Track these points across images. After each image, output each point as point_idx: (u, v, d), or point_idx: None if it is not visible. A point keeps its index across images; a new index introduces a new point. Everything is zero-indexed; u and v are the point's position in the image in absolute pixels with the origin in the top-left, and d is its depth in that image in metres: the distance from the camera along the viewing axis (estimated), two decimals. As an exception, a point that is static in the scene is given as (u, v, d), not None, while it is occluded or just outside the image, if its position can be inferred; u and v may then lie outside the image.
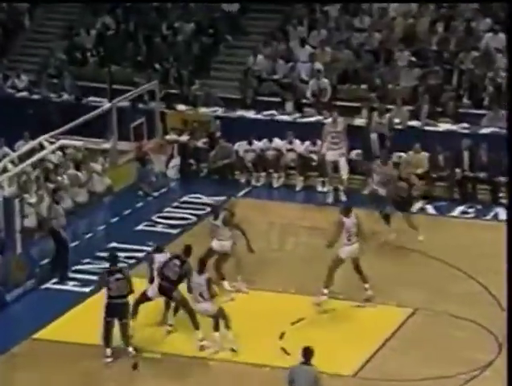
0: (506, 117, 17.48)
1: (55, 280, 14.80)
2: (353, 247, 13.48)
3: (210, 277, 12.73)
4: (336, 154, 17.65)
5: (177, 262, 12.76)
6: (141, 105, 19.64)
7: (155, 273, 12.88)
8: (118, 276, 12.47)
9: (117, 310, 12.43)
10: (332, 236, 13.59)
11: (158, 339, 12.81)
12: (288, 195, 18.18)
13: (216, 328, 12.52)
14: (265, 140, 18.86)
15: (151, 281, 12.97)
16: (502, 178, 17.18)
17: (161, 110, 19.45)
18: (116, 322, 12.45)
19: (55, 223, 14.96)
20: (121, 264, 13.06)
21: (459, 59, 19.75)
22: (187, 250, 13.04)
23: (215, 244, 13.99)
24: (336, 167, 17.72)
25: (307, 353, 10.12)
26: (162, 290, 12.81)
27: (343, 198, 17.56)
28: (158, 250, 13.24)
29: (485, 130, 18.22)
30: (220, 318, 12.52)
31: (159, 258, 13.00)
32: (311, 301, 13.47)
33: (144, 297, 12.95)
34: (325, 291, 13.43)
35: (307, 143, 18.57)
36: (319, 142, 18.37)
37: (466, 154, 17.58)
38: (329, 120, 18.12)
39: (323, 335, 12.67)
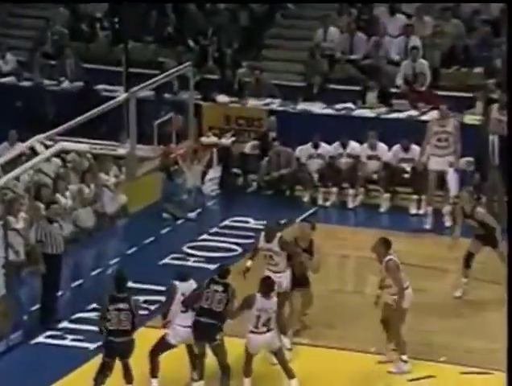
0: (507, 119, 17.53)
1: (50, 332, 15.14)
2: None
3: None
4: (442, 163, 17.90)
5: (218, 287, 13.08)
6: (168, 96, 19.98)
7: (176, 309, 13.18)
8: (121, 306, 12.87)
9: (117, 350, 12.87)
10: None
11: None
12: (369, 218, 18.46)
13: (290, 374, 13.06)
14: (337, 143, 19.15)
15: (165, 318, 13.29)
16: None
17: (196, 102, 19.78)
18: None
19: (48, 248, 15.38)
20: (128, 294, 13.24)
21: None
22: (226, 272, 13.35)
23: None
24: (441, 181, 17.95)
25: None
26: (199, 331, 13.04)
27: (447, 223, 17.72)
28: (182, 278, 13.51)
29: None
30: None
31: (183, 288, 13.31)
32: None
33: (164, 345, 13.28)
34: (404, 357, 13.67)
35: (397, 148, 18.79)
36: (413, 147, 18.61)
37: None
38: (434, 116, 18.38)
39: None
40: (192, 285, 13.43)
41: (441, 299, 15.97)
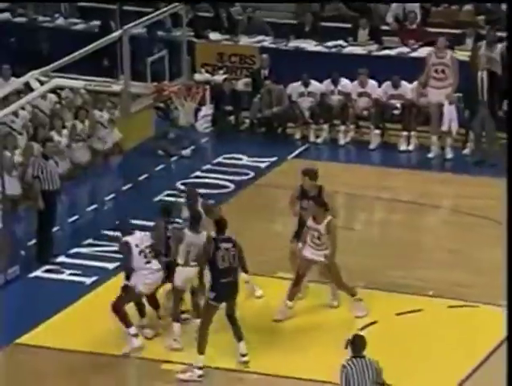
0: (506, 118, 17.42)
1: (46, 266, 15.07)
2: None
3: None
4: (441, 94, 17.78)
5: (228, 245, 12.74)
6: (161, 33, 19.77)
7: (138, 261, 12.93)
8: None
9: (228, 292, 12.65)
10: None
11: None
12: (360, 154, 18.31)
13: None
14: (328, 81, 18.97)
15: (128, 277, 13.03)
16: None
17: (189, 40, 19.56)
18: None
19: (44, 184, 15.22)
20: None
21: None
22: (225, 225, 13.01)
23: None
24: (441, 112, 17.86)
25: (358, 343, 10.41)
26: (225, 292, 12.63)
27: (449, 155, 17.70)
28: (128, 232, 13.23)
29: None
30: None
31: (136, 240, 13.03)
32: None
33: (132, 295, 13.00)
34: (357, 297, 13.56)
35: (387, 85, 18.60)
36: (403, 83, 18.45)
37: None
38: (424, 52, 18.32)
39: (401, 345, 12.82)
40: (142, 235, 13.14)
41: (431, 235, 15.91)
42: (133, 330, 12.89)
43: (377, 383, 10.34)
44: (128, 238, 13.03)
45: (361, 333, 12.72)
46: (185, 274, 12.96)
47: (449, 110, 17.85)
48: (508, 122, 16.72)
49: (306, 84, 18.89)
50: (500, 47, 18.54)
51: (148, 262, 12.98)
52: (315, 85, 18.92)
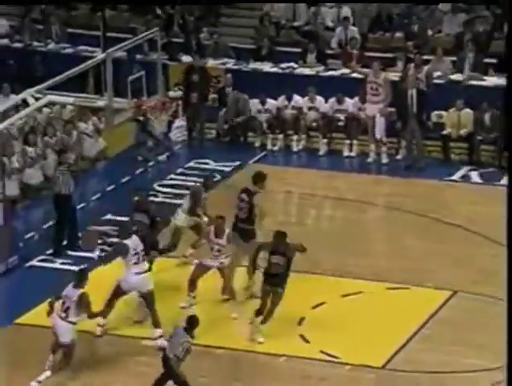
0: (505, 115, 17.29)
1: (41, 257, 14.98)
2: None
3: None
4: (375, 109, 17.86)
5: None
6: (140, 56, 19.70)
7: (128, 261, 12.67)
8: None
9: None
10: None
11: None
12: (310, 160, 18.35)
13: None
14: (283, 97, 18.97)
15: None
16: None
17: (163, 62, 19.49)
18: None
19: (63, 189, 15.11)
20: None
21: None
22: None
23: None
24: (373, 124, 17.94)
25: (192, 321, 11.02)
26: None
27: (384, 160, 17.82)
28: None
29: (539, 85, 18.22)
30: None
31: (133, 244, 12.79)
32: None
33: (118, 291, 12.78)
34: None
35: (332, 100, 18.67)
36: (346, 99, 18.51)
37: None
38: (364, 73, 18.38)
39: (347, 322, 12.88)
40: (136, 240, 12.92)
41: (370, 228, 15.98)
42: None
43: None
44: (127, 241, 12.82)
45: (313, 311, 12.94)
46: None
47: (380, 122, 17.87)
48: (508, 122, 16.51)
49: (263, 103, 18.90)
50: (426, 68, 18.64)
51: (136, 263, 12.74)
52: (270, 103, 18.90)
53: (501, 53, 18.77)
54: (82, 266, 11.14)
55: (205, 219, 14.17)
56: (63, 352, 11.70)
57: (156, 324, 12.65)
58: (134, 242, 12.81)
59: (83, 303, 11.57)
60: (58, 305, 11.67)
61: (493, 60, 18.77)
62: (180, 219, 14.33)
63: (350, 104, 18.53)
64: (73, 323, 11.48)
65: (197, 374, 11.71)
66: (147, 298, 12.69)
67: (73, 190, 15.27)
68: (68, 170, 15.31)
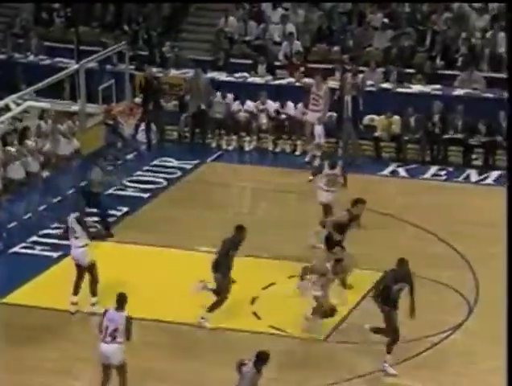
0: (506, 116, 16.94)
1: (22, 244, 14.62)
2: None
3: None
4: (314, 117, 17.65)
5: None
6: (109, 67, 19.41)
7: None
8: None
9: None
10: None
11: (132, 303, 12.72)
12: (261, 158, 18.11)
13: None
14: (237, 102, 18.73)
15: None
16: (474, 140, 17.28)
17: (130, 72, 19.21)
18: None
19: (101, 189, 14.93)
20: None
21: (431, 21, 19.74)
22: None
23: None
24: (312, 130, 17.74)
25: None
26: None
27: (317, 162, 17.53)
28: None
29: (458, 92, 18.23)
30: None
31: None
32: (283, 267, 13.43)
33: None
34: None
35: (277, 104, 18.45)
36: (289, 104, 18.29)
37: (438, 117, 17.62)
38: (307, 82, 18.19)
39: (294, 300, 12.67)
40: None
41: (313, 218, 15.77)
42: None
43: None
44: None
45: (264, 291, 12.75)
46: None
47: (317, 129, 17.66)
48: (508, 122, 16.15)
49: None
50: (360, 77, 18.50)
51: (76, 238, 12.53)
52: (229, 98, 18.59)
53: (422, 64, 18.89)
54: (121, 291, 10.54)
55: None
56: (118, 373, 10.43)
57: (95, 293, 12.42)
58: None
59: (129, 324, 10.49)
60: (102, 330, 10.45)
61: (413, 71, 18.77)
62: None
63: (291, 108, 18.30)
64: (121, 343, 10.40)
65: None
66: (88, 270, 12.44)
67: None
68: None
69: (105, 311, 10.43)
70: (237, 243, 12.32)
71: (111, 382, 10.44)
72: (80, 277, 12.63)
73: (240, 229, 12.40)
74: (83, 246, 12.55)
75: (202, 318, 12.21)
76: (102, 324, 10.33)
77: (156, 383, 11.11)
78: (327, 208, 14.15)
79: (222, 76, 19.37)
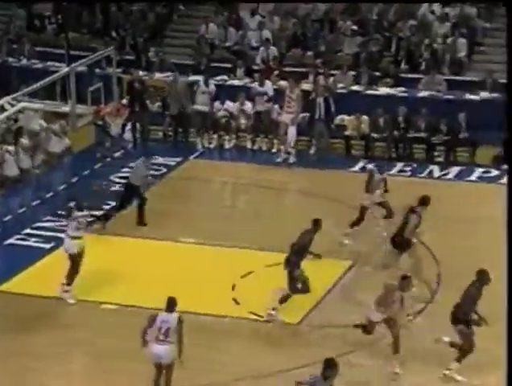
0: (505, 117, 15.96)
1: (17, 236, 14.55)
2: None
3: None
4: (288, 118, 17.62)
5: None
6: (98, 70, 19.30)
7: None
8: None
9: None
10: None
11: (119, 291, 12.72)
12: (240, 156, 18.04)
13: None
14: (217, 102, 18.68)
15: None
16: (437, 138, 17.39)
17: (118, 75, 19.14)
18: None
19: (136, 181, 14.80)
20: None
21: (397, 28, 19.82)
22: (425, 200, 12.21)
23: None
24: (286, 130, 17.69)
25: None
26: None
27: (291, 159, 17.54)
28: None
29: (422, 94, 18.33)
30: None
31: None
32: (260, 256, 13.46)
33: None
34: None
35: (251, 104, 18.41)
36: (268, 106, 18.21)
37: (403, 118, 17.71)
38: (283, 85, 18.12)
39: (271, 287, 12.68)
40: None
41: (288, 211, 15.82)
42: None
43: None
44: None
45: (243, 279, 12.76)
46: None
47: (291, 130, 17.61)
48: (508, 122, 15.45)
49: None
50: (332, 79, 18.52)
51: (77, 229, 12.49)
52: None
53: (389, 68, 18.96)
54: (171, 296, 10.32)
55: None
56: (166, 371, 10.18)
57: (69, 282, 12.36)
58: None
59: (181, 325, 10.22)
60: (154, 331, 10.12)
61: (381, 74, 18.83)
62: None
63: (273, 111, 18.17)
64: (173, 343, 10.14)
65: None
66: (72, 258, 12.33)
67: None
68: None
69: (157, 315, 10.17)
70: (313, 235, 12.02)
71: (163, 379, 10.21)
72: (73, 267, 12.53)
73: (316, 222, 12.13)
74: (76, 238, 12.46)
75: (273, 309, 11.98)
76: (154, 326, 10.09)
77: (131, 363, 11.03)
78: (363, 210, 13.80)
79: (203, 79, 19.17)
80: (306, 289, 11.91)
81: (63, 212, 13.88)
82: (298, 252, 11.95)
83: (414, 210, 12.53)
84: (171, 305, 10.17)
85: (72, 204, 12.90)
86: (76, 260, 12.43)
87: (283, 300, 12.00)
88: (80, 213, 12.61)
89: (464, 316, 10.44)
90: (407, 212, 12.62)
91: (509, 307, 9.34)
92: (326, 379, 8.85)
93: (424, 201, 12.63)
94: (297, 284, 11.88)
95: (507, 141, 15.26)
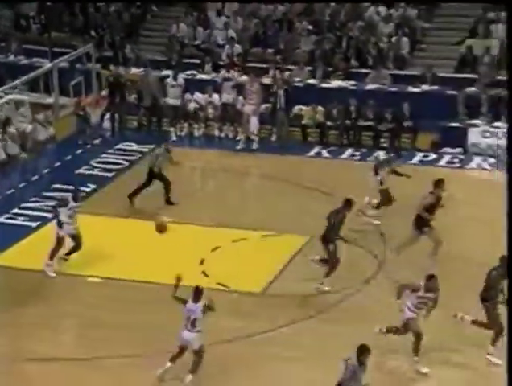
0: (506, 115, 15.95)
1: (6, 215, 14.17)
2: None
3: None
4: (249, 109, 17.35)
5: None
6: (79, 66, 18.88)
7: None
8: None
9: None
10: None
11: (103, 266, 12.42)
12: (208, 142, 17.73)
13: None
14: (187, 94, 18.31)
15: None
16: (383, 126, 17.28)
17: (97, 70, 18.72)
18: None
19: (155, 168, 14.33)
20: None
21: (347, 28, 19.66)
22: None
23: None
24: (248, 120, 17.38)
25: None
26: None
27: (254, 146, 17.27)
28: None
29: (369, 86, 18.19)
30: None
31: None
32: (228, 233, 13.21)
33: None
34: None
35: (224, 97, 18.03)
36: (234, 97, 17.90)
37: (353, 108, 17.56)
38: (246, 79, 17.78)
39: (236, 260, 12.53)
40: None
41: (251, 192, 15.58)
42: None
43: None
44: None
45: (211, 254, 12.51)
46: None
47: (253, 120, 17.32)
48: (508, 119, 15.37)
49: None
50: (287, 74, 18.18)
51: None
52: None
53: (341, 64, 18.75)
54: (197, 285, 9.86)
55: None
56: (195, 355, 9.78)
57: (51, 257, 12.11)
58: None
59: (207, 309, 9.89)
60: (184, 317, 9.76)
61: (333, 69, 18.61)
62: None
63: (238, 101, 17.79)
64: (200, 331, 9.82)
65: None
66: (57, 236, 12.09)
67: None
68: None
69: (186, 302, 9.83)
70: (344, 214, 11.61)
71: (180, 359, 9.86)
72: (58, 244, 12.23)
73: (347, 202, 11.72)
74: (70, 224, 12.19)
75: (321, 284, 11.63)
76: (184, 312, 9.77)
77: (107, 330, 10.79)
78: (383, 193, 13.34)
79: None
80: (336, 264, 11.52)
81: (58, 202, 13.37)
82: (332, 229, 11.60)
83: (432, 192, 12.02)
84: (197, 294, 9.79)
85: (68, 195, 12.52)
86: (76, 238, 12.23)
87: (329, 273, 11.64)
88: (75, 204, 12.33)
89: (491, 297, 9.96)
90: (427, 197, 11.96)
91: (510, 307, 9.05)
92: (362, 364, 8.64)
93: (439, 183, 12.13)
94: (333, 258, 11.55)
95: (508, 136, 14.66)
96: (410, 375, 9.91)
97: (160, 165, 14.40)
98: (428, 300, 9.83)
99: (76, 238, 12.32)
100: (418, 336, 9.83)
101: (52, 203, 13.38)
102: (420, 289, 9.81)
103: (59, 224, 12.26)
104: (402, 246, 12.20)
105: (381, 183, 13.65)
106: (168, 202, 14.35)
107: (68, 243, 12.44)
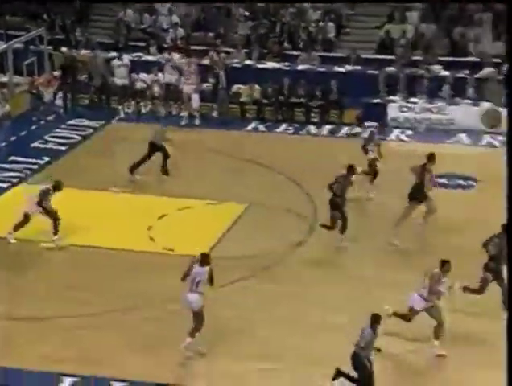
0: (506, 114, 14.64)
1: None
2: None
3: None
4: (189, 88, 16.79)
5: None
6: (32, 47, 17.88)
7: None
8: None
9: None
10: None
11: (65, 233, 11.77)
12: (153, 119, 16.94)
13: None
14: (133, 74, 17.60)
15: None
16: (313, 103, 16.99)
17: (49, 52, 17.77)
18: None
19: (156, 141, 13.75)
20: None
21: (280, 14, 19.24)
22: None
23: None
24: (189, 98, 16.89)
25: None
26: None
27: (197, 122, 16.71)
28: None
29: (300, 67, 17.86)
30: None
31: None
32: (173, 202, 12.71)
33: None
34: None
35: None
36: (176, 78, 17.27)
37: (287, 87, 17.20)
38: (185, 61, 17.17)
39: (182, 226, 12.14)
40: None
41: (194, 164, 15.02)
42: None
43: None
44: None
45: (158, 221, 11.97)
46: None
47: (194, 97, 16.73)
48: (508, 117, 13.93)
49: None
50: (223, 56, 17.63)
51: None
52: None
53: (274, 47, 18.28)
54: (204, 252, 9.38)
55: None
56: (195, 317, 9.24)
57: (15, 229, 11.50)
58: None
59: (211, 275, 9.30)
60: (189, 280, 9.26)
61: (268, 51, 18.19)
62: None
63: (180, 82, 17.14)
64: (202, 293, 9.29)
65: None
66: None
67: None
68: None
69: (193, 265, 9.27)
70: (350, 179, 11.12)
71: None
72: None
73: (350, 168, 11.18)
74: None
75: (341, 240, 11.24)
76: (189, 276, 9.22)
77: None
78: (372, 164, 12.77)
79: (122, 56, 17.92)
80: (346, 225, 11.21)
81: (42, 192, 12.42)
82: (342, 193, 11.19)
83: (425, 167, 11.42)
84: (204, 259, 9.31)
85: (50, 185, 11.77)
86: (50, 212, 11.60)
87: (342, 230, 11.28)
88: (58, 193, 11.69)
89: (495, 267, 9.39)
90: (420, 170, 11.38)
91: (510, 307, 8.43)
92: (375, 331, 8.45)
93: (431, 158, 11.56)
94: (345, 220, 11.20)
95: (508, 133, 12.95)
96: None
97: (160, 139, 13.86)
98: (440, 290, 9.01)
99: (50, 212, 11.64)
100: (439, 323, 9.07)
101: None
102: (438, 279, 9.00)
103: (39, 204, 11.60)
104: (399, 219, 11.54)
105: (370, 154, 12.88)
106: (165, 172, 13.85)
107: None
